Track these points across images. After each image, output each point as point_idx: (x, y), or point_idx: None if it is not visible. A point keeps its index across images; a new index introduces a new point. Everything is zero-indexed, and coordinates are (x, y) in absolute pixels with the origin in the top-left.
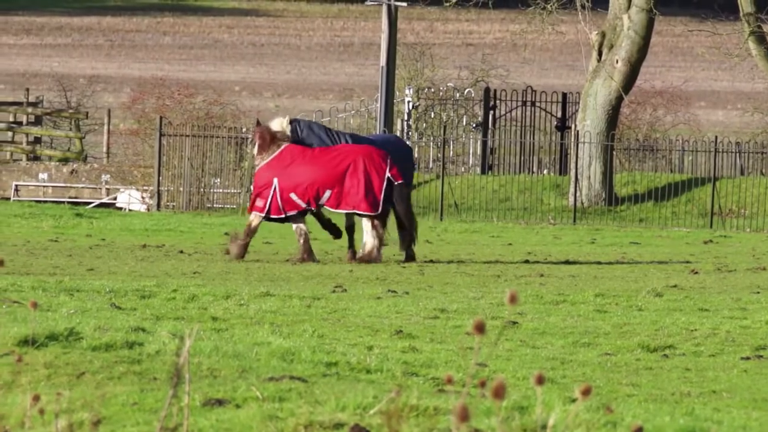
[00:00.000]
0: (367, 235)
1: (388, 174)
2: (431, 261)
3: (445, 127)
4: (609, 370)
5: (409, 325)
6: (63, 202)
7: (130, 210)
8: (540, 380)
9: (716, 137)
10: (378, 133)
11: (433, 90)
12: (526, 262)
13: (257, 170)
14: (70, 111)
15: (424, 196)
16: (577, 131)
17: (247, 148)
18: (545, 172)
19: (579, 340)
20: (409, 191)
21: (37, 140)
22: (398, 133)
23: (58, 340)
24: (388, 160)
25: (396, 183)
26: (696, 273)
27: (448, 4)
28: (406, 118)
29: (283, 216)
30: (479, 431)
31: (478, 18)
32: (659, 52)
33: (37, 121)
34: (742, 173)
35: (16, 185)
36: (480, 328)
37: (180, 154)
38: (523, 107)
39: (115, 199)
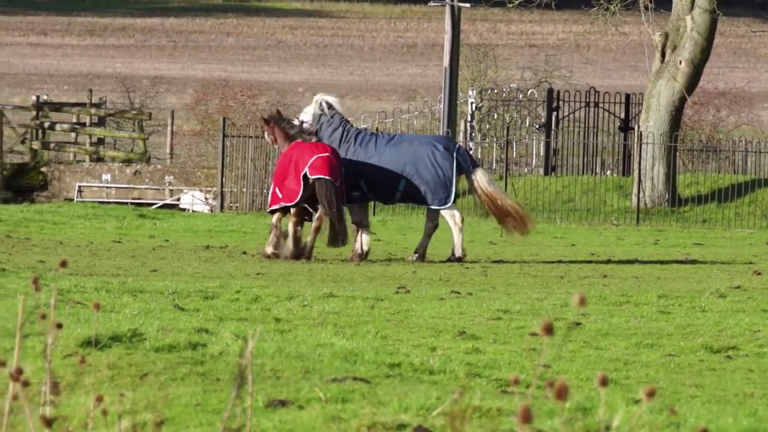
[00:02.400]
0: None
1: (306, 168)
2: (495, 262)
3: (508, 128)
4: (672, 371)
5: (472, 326)
6: (126, 203)
7: (193, 211)
8: (603, 381)
9: None
10: (441, 134)
11: (496, 91)
12: (590, 263)
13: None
14: (134, 112)
15: None
16: (641, 132)
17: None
18: (608, 173)
19: (642, 341)
20: (332, 187)
21: (101, 141)
22: (461, 135)
23: (121, 341)
24: (316, 155)
25: (315, 177)
26: (759, 274)
27: (511, 5)
28: (469, 119)
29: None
30: None
31: (541, 19)
32: (722, 53)
33: (101, 123)
34: None
35: (80, 186)
36: (548, 330)
37: (243, 155)
38: (587, 108)
39: (178, 200)
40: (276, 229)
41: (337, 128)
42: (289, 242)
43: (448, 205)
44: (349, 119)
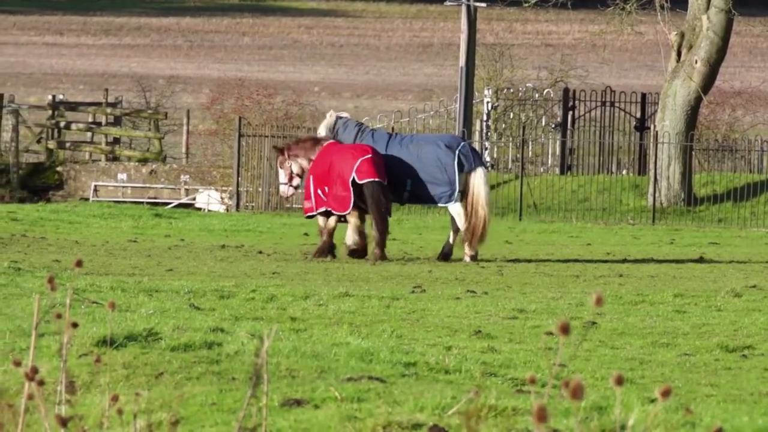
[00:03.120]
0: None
1: (353, 174)
2: (510, 261)
3: (524, 127)
4: (688, 370)
5: (488, 325)
6: (142, 202)
7: (209, 210)
8: (619, 381)
9: None
10: (457, 133)
11: (512, 90)
12: (606, 262)
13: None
14: (149, 111)
15: (503, 196)
16: (656, 131)
17: None
18: (624, 172)
19: (658, 341)
20: (380, 188)
21: (116, 141)
22: (477, 134)
23: (136, 341)
24: (360, 159)
25: (364, 182)
26: None
27: (527, 4)
28: (485, 118)
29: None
30: (558, 431)
31: (557, 18)
32: (738, 52)
33: (116, 122)
34: None
35: (95, 186)
36: (564, 329)
37: (259, 154)
38: (602, 107)
39: (194, 199)
40: (326, 231)
41: (352, 130)
42: (355, 236)
43: (452, 202)
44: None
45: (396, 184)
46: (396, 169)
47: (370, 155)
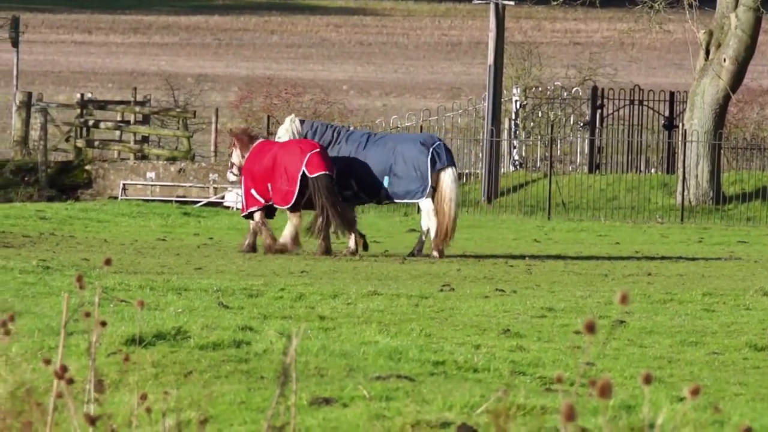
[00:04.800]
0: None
1: (304, 168)
2: (539, 259)
3: (552, 126)
4: (716, 369)
5: (517, 323)
6: (170, 201)
7: (237, 209)
8: (647, 379)
9: None
10: (486, 132)
11: (540, 89)
12: (634, 259)
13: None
14: (178, 110)
15: (531, 194)
16: (685, 130)
17: None
18: (653, 171)
19: (686, 339)
20: (331, 182)
21: (145, 139)
22: (505, 133)
23: (165, 339)
24: (309, 153)
25: (315, 175)
26: None
27: (555, 2)
28: (513, 117)
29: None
30: (586, 430)
31: (585, 17)
32: (766, 50)
33: (145, 120)
34: None
35: (124, 184)
36: (590, 328)
37: None
38: (631, 106)
39: (222, 198)
40: (264, 227)
41: (324, 132)
42: (288, 236)
43: (424, 198)
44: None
45: (374, 183)
46: (375, 168)
47: (318, 149)
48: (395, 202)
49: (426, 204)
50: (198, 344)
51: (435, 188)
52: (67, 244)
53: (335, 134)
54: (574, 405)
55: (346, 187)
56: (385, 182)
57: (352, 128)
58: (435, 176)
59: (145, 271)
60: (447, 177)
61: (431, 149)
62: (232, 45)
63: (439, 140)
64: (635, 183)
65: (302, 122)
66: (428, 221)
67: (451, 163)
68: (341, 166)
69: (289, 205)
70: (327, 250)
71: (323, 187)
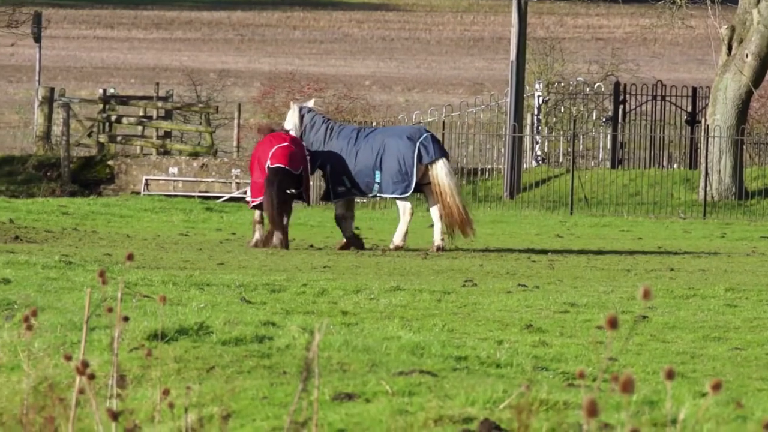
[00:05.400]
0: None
1: (268, 159)
2: (561, 255)
3: (574, 121)
4: (739, 364)
5: (539, 319)
6: (193, 196)
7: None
8: (670, 375)
9: None
10: (509, 127)
11: (563, 84)
12: (657, 253)
13: None
14: (200, 105)
15: (554, 190)
16: (707, 125)
17: None
18: (675, 166)
19: (709, 335)
20: (281, 174)
21: (167, 134)
22: (528, 128)
23: (188, 335)
24: (276, 146)
25: (272, 166)
26: None
27: None
28: (536, 112)
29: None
30: (609, 426)
31: (607, 12)
32: None
33: (167, 116)
34: None
35: (147, 179)
36: (613, 323)
37: None
38: (653, 101)
39: (245, 193)
40: (259, 225)
41: (320, 128)
42: (257, 233)
43: (406, 195)
44: (330, 118)
45: (366, 178)
46: (366, 163)
47: (286, 143)
48: (385, 198)
49: (403, 202)
50: (220, 339)
51: (429, 183)
52: (89, 239)
53: (328, 131)
54: (596, 400)
55: (340, 183)
56: (377, 177)
57: (347, 124)
58: (424, 170)
59: (168, 267)
60: (439, 170)
61: (418, 143)
62: (255, 40)
63: (427, 132)
64: (658, 178)
65: (309, 111)
66: (403, 220)
67: (442, 155)
68: (333, 162)
69: (260, 199)
70: (280, 243)
71: (270, 178)
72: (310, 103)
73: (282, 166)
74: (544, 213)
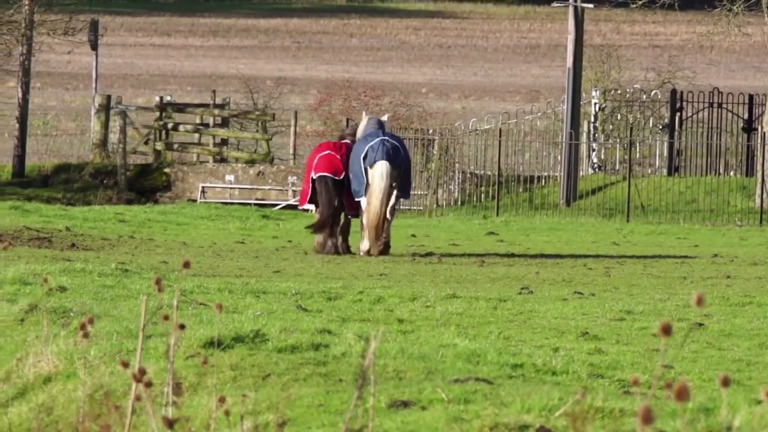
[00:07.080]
0: None
1: (313, 170)
2: (618, 262)
3: (631, 128)
4: None
5: (595, 326)
6: (249, 203)
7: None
8: (726, 382)
9: None
10: (565, 135)
11: (619, 91)
12: (714, 260)
13: None
14: (257, 113)
15: (610, 197)
16: (764, 133)
17: (433, 150)
18: (731, 173)
19: (765, 342)
20: (328, 183)
21: (224, 142)
22: (584, 135)
23: (243, 342)
24: (319, 155)
25: (315, 176)
26: None
27: (634, 5)
28: (592, 119)
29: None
30: None
31: (664, 20)
32: None
33: (224, 123)
34: None
35: (203, 187)
36: (666, 330)
37: None
38: (710, 109)
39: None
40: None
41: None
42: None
43: (362, 197)
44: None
45: (352, 182)
46: (351, 168)
47: (328, 152)
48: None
49: (362, 202)
50: (276, 347)
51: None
52: (145, 246)
53: (365, 135)
54: (651, 408)
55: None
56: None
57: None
58: (371, 172)
59: (224, 274)
60: (375, 172)
61: (368, 146)
62: (312, 48)
63: (386, 136)
64: (714, 186)
65: (378, 122)
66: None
67: (383, 156)
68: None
69: (303, 205)
70: (333, 249)
71: (318, 186)
72: (385, 117)
73: (325, 174)
74: (601, 221)
